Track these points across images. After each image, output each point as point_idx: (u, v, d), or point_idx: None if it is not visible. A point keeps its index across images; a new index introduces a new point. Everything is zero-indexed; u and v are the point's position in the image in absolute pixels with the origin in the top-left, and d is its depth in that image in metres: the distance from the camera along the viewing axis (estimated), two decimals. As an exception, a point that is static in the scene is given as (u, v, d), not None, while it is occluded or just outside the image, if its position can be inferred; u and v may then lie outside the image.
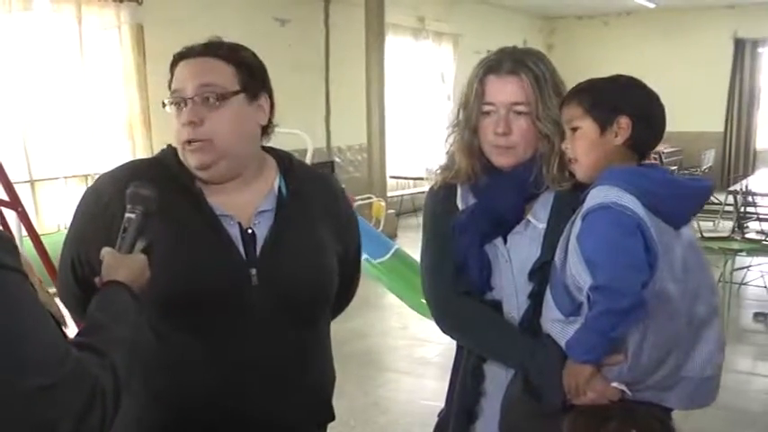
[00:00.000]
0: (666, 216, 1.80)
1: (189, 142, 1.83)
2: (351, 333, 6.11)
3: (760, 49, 15.49)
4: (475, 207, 2.03)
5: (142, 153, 7.93)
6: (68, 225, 1.97)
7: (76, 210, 1.94)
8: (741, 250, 6.40)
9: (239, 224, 1.86)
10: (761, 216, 7.27)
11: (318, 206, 1.99)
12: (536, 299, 1.94)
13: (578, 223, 1.83)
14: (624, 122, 1.85)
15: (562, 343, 1.82)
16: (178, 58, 1.87)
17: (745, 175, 11.87)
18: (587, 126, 1.87)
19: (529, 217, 2.00)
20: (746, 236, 6.64)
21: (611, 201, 1.76)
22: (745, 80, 15.60)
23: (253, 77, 1.89)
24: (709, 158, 14.29)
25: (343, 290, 2.09)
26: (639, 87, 1.92)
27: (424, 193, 9.41)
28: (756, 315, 6.72)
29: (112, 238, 1.66)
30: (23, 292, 1.23)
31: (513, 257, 2.00)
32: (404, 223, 11.42)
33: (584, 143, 1.88)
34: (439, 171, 2.15)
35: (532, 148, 1.98)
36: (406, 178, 12.59)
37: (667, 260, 1.77)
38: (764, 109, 15.69)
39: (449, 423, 2.13)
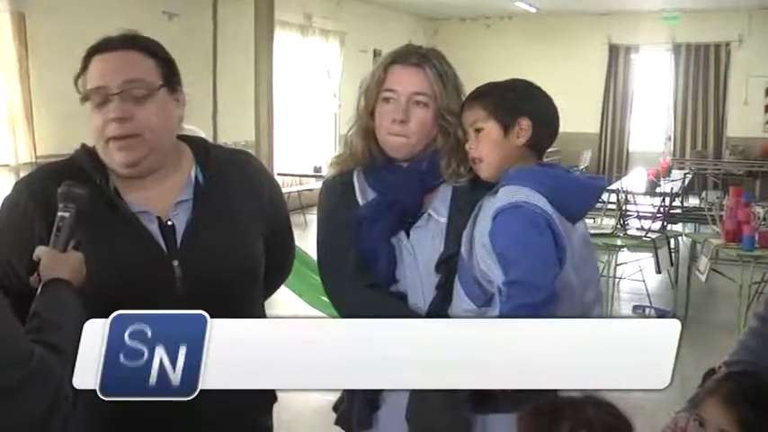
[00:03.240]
0: (568, 212, 1.90)
1: (116, 139, 1.78)
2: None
3: (633, 55, 16.16)
4: (380, 200, 2.05)
5: (24, 150, 7.61)
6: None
7: None
8: (624, 246, 6.67)
9: (158, 218, 1.84)
10: (641, 214, 7.60)
11: (238, 189, 1.96)
12: (442, 290, 2.00)
13: (484, 219, 1.90)
14: (525, 124, 1.93)
15: None
16: (93, 51, 1.82)
17: (620, 175, 12.37)
18: (491, 127, 1.94)
19: (430, 211, 2.04)
20: (628, 232, 6.92)
21: (522, 200, 1.84)
22: (619, 84, 16.24)
23: (171, 71, 1.87)
24: (585, 158, 14.83)
25: (277, 265, 2.09)
26: (537, 90, 2.01)
27: (311, 190, 9.36)
28: (635, 308, 7.02)
29: (32, 243, 1.64)
30: None
31: (417, 251, 2.03)
32: (291, 221, 11.35)
33: (488, 144, 1.95)
34: (335, 160, 2.18)
35: (427, 140, 2.03)
36: (293, 175, 12.51)
37: (569, 253, 1.87)
38: (637, 112, 16.38)
39: (351, 413, 2.11)
